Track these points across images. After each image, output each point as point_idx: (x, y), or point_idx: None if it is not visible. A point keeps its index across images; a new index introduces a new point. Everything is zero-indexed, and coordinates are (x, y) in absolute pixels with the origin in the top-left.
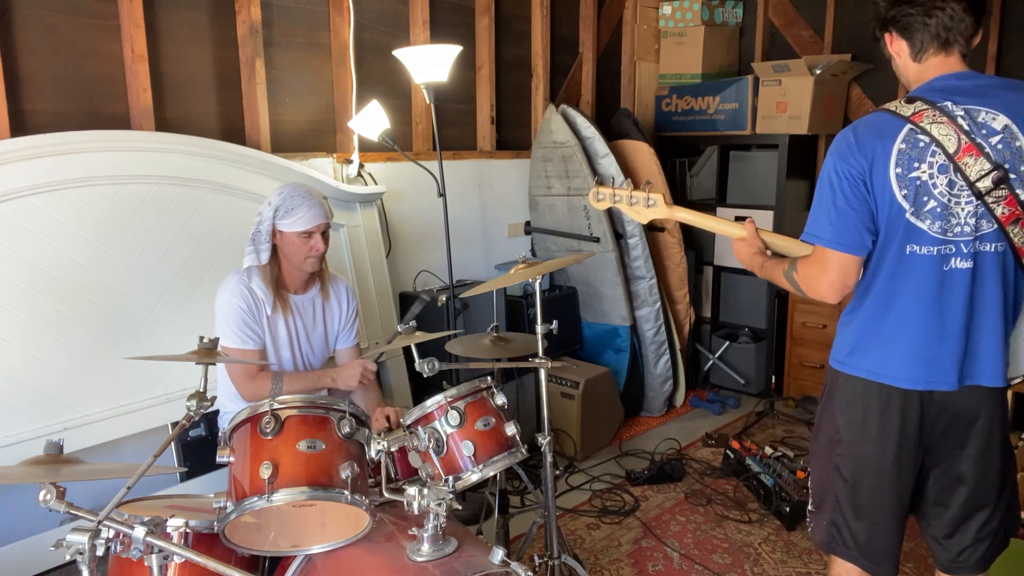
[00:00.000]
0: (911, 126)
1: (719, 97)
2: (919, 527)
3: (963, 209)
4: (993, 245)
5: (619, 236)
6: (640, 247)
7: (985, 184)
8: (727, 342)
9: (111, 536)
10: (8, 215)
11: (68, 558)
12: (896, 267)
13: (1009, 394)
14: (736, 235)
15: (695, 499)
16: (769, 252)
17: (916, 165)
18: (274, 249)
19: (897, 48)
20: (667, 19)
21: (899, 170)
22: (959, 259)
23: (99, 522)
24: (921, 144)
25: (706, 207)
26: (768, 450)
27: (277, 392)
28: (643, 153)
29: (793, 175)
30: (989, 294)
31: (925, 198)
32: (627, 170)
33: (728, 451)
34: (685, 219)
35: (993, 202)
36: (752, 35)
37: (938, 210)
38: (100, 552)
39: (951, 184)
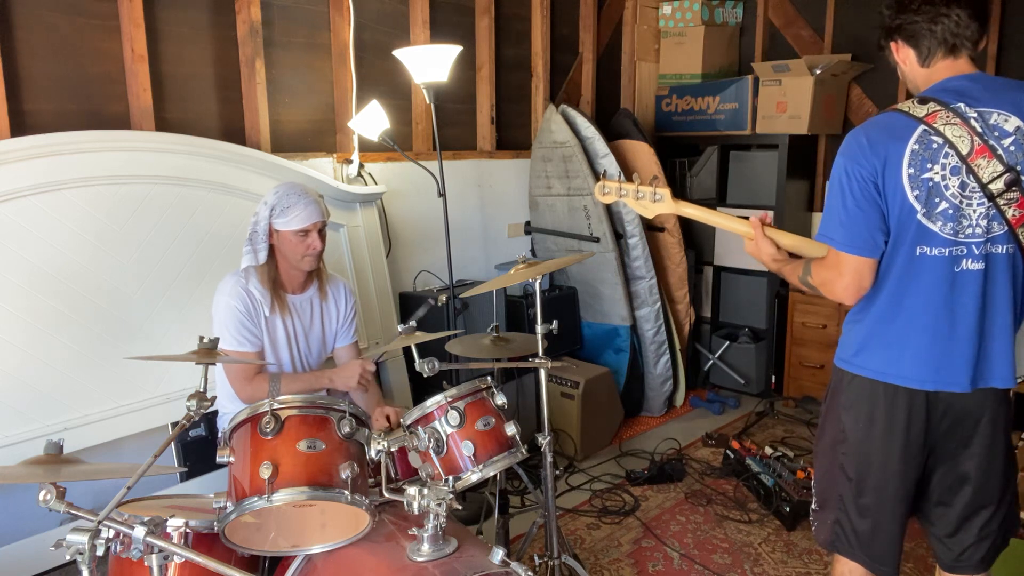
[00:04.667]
0: (925, 127)
1: (719, 97)
2: (921, 526)
3: (975, 211)
4: (1004, 247)
5: (619, 236)
6: (640, 247)
7: (997, 186)
8: (727, 342)
9: (111, 536)
10: (8, 215)
11: (68, 558)
12: (907, 268)
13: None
14: (743, 232)
15: (695, 499)
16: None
17: (929, 166)
18: (271, 249)
19: (903, 55)
20: (667, 19)
21: (912, 171)
22: (970, 260)
23: (99, 522)
24: (935, 145)
25: (706, 207)
26: (768, 450)
27: (275, 393)
28: (643, 153)
29: (793, 175)
30: (1000, 296)
31: (937, 199)
32: (627, 170)
33: (728, 451)
34: (691, 214)
35: (1005, 204)
36: (752, 35)
37: (950, 211)
38: (100, 552)
39: (963, 186)
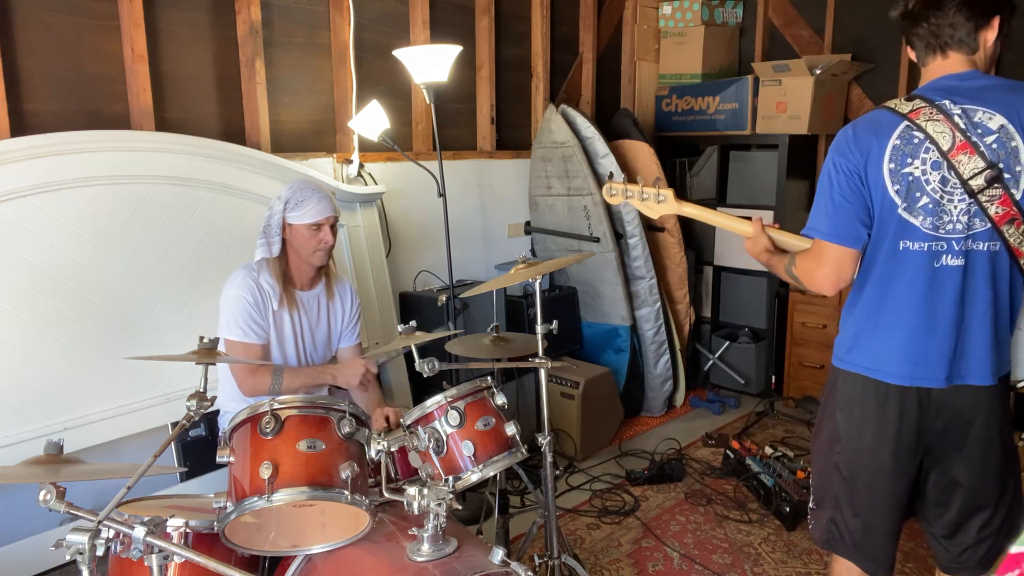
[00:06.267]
0: (907, 123)
1: (719, 97)
2: (920, 527)
3: (955, 207)
4: (986, 244)
5: (619, 236)
6: (640, 247)
7: (978, 182)
8: (727, 342)
9: (111, 536)
10: (8, 215)
11: (68, 558)
12: (890, 263)
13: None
14: (746, 232)
15: (695, 499)
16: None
17: (909, 161)
18: (283, 244)
19: (911, 54)
20: (667, 19)
21: (892, 165)
22: (950, 256)
23: (99, 522)
24: (915, 140)
25: (706, 207)
26: (768, 450)
27: (276, 387)
28: (643, 153)
29: (793, 175)
30: (980, 293)
31: (917, 194)
32: (627, 170)
33: (728, 451)
34: (694, 214)
35: (986, 201)
36: (752, 35)
37: (930, 206)
38: (100, 552)
39: (944, 181)
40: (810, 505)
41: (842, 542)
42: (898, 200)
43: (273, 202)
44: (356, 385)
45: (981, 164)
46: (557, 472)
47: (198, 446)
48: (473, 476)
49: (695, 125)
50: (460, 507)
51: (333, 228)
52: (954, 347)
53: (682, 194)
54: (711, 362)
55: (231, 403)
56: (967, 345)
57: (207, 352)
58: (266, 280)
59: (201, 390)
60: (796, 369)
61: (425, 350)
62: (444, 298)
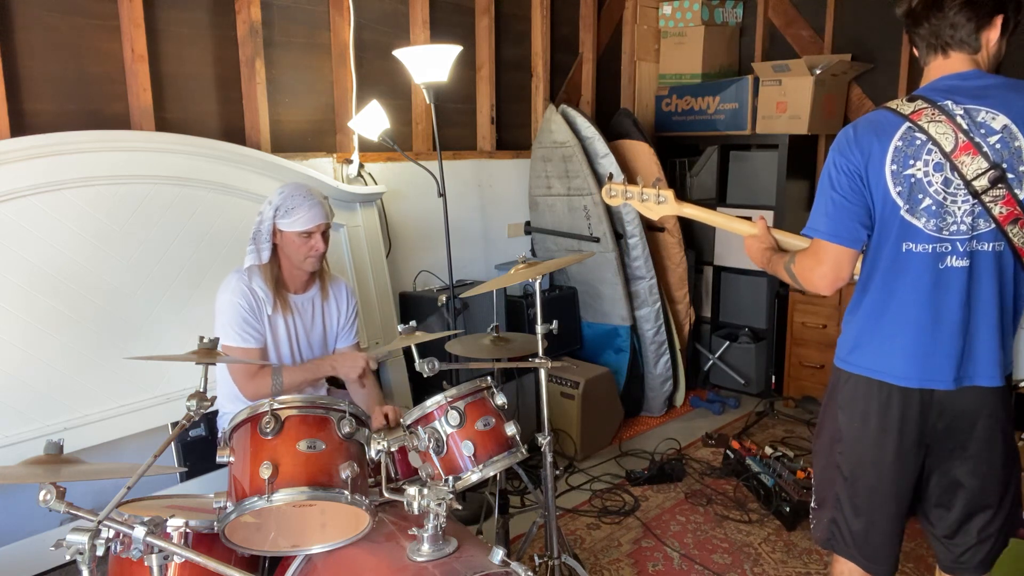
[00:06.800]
0: (909, 124)
1: (719, 97)
2: (922, 527)
3: (959, 208)
4: (991, 244)
5: (619, 236)
6: (640, 247)
7: (982, 183)
8: (727, 342)
9: (111, 536)
10: (8, 215)
11: (68, 558)
12: (893, 265)
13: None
14: (746, 232)
15: (695, 499)
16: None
17: (911, 163)
18: (274, 248)
19: (915, 51)
20: (667, 19)
21: (894, 167)
22: (955, 257)
23: (99, 522)
24: (917, 142)
25: (706, 207)
26: (768, 450)
27: (278, 386)
28: (643, 153)
29: (793, 175)
30: (985, 293)
31: (920, 196)
32: (627, 170)
33: (728, 451)
34: (694, 215)
35: (990, 201)
36: (752, 35)
37: (933, 208)
38: (100, 552)
39: (947, 182)
40: (812, 505)
41: (843, 542)
42: (900, 202)
43: (264, 207)
44: (355, 378)
45: (984, 165)
46: (557, 472)
47: (198, 446)
48: (473, 476)
49: (695, 125)
50: (460, 507)
51: (325, 235)
52: (961, 348)
53: (682, 194)
54: (711, 362)
55: (229, 404)
56: (974, 346)
57: (207, 352)
58: (258, 285)
59: (201, 390)
60: (796, 369)
61: (425, 349)
62: (444, 298)
